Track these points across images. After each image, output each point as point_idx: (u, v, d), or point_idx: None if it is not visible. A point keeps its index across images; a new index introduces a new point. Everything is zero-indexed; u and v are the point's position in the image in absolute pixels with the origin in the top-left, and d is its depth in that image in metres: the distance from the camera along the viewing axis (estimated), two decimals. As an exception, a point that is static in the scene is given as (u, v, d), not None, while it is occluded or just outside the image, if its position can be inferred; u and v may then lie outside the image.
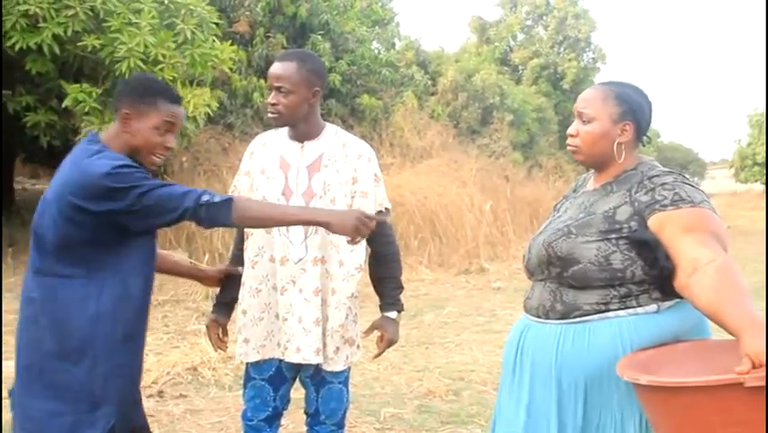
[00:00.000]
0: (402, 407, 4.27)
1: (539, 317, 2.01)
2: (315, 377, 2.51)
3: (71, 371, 1.99)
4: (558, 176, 16.89)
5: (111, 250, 2.01)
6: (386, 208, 2.58)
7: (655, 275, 1.87)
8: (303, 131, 2.47)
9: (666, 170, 1.99)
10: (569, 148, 2.10)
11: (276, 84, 2.40)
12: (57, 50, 6.96)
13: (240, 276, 2.54)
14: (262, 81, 11.12)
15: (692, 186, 1.93)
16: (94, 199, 1.92)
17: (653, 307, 1.90)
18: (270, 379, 2.51)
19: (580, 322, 1.92)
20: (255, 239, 2.47)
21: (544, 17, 25.48)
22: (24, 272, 2.10)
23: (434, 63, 18.53)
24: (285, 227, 2.39)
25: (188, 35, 7.13)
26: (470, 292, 8.62)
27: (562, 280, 1.96)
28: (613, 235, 1.90)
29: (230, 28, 11.00)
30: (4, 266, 7.96)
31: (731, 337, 1.61)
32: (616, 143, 2.00)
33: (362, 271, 2.52)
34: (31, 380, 2.02)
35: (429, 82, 16.71)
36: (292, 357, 2.43)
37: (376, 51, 13.84)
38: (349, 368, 2.57)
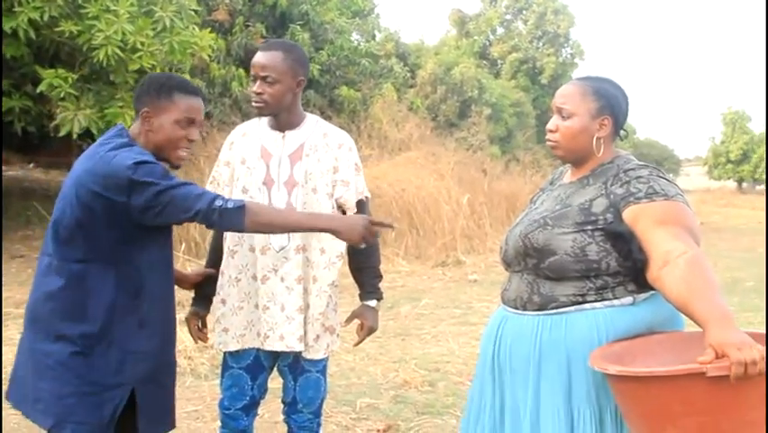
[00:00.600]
0: (378, 397, 4.29)
1: (516, 308, 2.03)
2: (294, 366, 2.52)
3: (85, 355, 2.01)
4: (535, 170, 16.99)
5: (127, 242, 2.04)
6: (366, 197, 2.60)
7: (629, 267, 1.91)
8: (285, 120, 2.48)
9: (642, 163, 2.02)
10: (548, 143, 2.12)
11: (261, 73, 2.40)
12: (32, 34, 6.87)
13: (215, 275, 2.55)
14: (241, 70, 11.05)
15: (667, 180, 1.96)
16: (115, 190, 1.95)
17: (629, 299, 1.93)
18: (248, 368, 2.52)
19: (557, 314, 1.95)
20: None
21: (524, 12, 25.59)
22: (39, 259, 2.12)
23: (414, 55, 18.54)
24: None
25: (167, 23, 7.06)
26: (447, 284, 8.66)
27: (539, 272, 1.99)
28: (589, 227, 1.93)
29: (209, 16, 10.91)
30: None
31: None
32: (594, 138, 2.03)
33: (343, 259, 2.54)
34: (45, 361, 2.04)
35: (408, 74, 16.71)
36: (275, 345, 2.44)
37: (356, 43, 13.81)
38: (327, 357, 2.58)
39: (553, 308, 1.95)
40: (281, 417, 2.68)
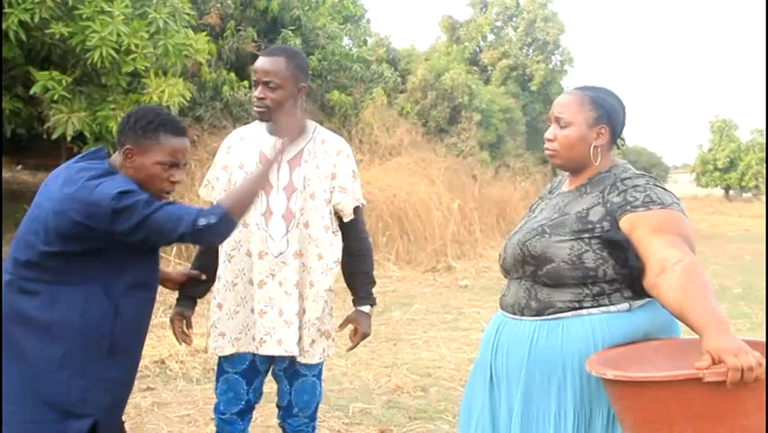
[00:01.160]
0: (370, 402, 4.29)
1: (514, 314, 2.05)
2: (289, 370, 2.53)
3: (50, 379, 1.96)
4: (525, 176, 17.06)
5: (102, 265, 1.99)
6: (362, 204, 2.62)
7: (626, 274, 1.93)
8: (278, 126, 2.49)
9: (639, 172, 2.05)
10: (546, 152, 2.14)
11: (264, 78, 2.41)
12: (23, 36, 6.83)
13: (200, 277, 2.54)
14: (232, 74, 11.04)
15: (663, 188, 1.99)
16: (97, 220, 1.92)
17: (626, 305, 1.95)
18: (244, 372, 2.52)
19: (553, 319, 1.97)
20: (232, 234, 2.47)
21: (514, 18, 25.67)
22: (4, 278, 2.04)
23: (404, 61, 18.58)
24: (264, 222, 2.42)
25: (161, 25, 7.04)
26: (438, 290, 8.67)
27: (537, 279, 2.01)
28: (586, 235, 1.95)
29: (200, 20, 10.89)
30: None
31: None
32: (592, 147, 2.05)
33: (339, 264, 2.55)
34: (6, 382, 1.97)
35: (399, 80, 16.74)
36: (272, 350, 2.44)
37: (347, 48, 13.82)
38: (323, 361, 2.59)
39: (549, 314, 1.97)
40: (274, 421, 2.69)
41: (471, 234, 11.81)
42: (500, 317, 2.12)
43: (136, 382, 4.28)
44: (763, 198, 33.70)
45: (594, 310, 1.94)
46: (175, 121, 2.14)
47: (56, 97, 6.96)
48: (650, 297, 1.91)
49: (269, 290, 2.44)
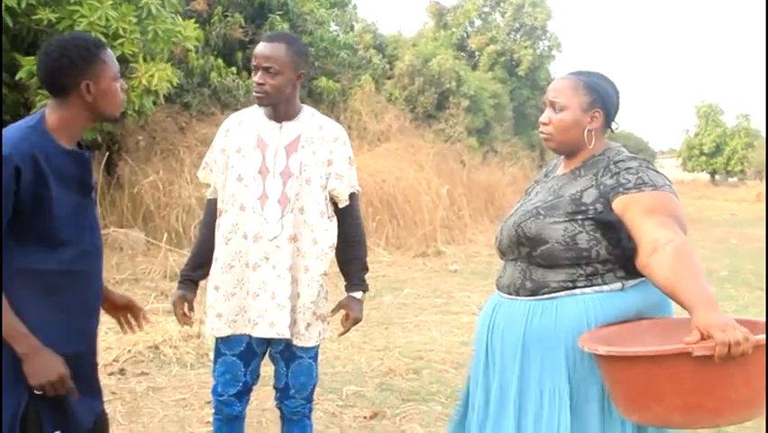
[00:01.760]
0: (364, 385, 4.34)
1: (510, 294, 2.09)
2: (286, 352, 2.56)
3: None
4: (513, 162, 17.12)
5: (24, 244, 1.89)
6: (357, 190, 2.65)
7: (618, 255, 1.97)
8: (283, 111, 2.51)
9: (632, 155, 2.09)
10: (541, 135, 2.18)
11: (264, 64, 2.42)
12: (9, 22, 6.78)
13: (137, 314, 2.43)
14: (220, 60, 11.00)
15: (655, 171, 2.03)
16: None
17: (618, 285, 1.99)
18: (241, 354, 2.55)
19: (548, 299, 2.01)
20: (229, 216, 2.49)
21: (502, 4, 25.62)
22: None
23: (391, 47, 18.53)
24: (260, 206, 2.45)
25: (153, 10, 7.00)
26: (428, 274, 8.72)
27: (532, 260, 2.04)
28: (579, 217, 1.99)
29: (188, 6, 10.83)
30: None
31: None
32: (586, 130, 2.09)
33: (334, 249, 2.58)
34: None
35: (386, 66, 16.72)
36: (264, 332, 2.47)
37: (334, 34, 13.78)
38: (319, 344, 2.62)
39: (544, 294, 2.01)
40: (270, 404, 2.71)
41: (461, 219, 11.87)
42: (497, 297, 2.16)
43: (130, 368, 4.36)
44: (749, 182, 34.00)
45: (587, 290, 1.98)
46: (92, 36, 2.12)
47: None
48: (643, 277, 1.94)
49: (263, 274, 2.46)
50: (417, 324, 6.03)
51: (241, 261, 2.50)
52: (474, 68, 22.84)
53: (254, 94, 2.47)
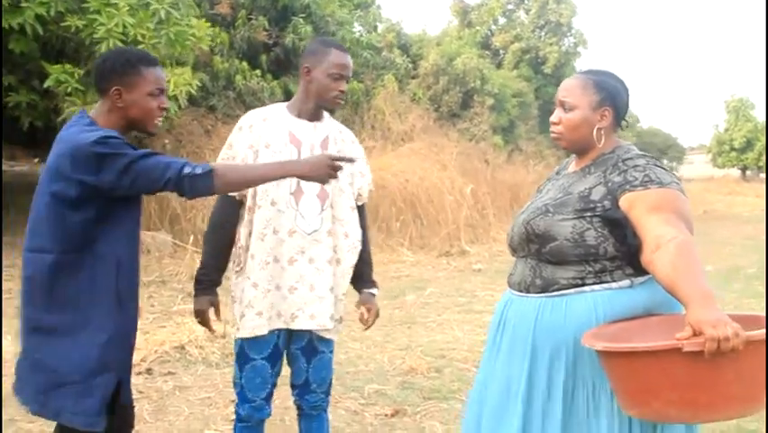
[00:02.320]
0: (385, 383, 4.38)
1: (521, 291, 2.12)
2: (308, 347, 2.61)
3: (70, 343, 2.07)
4: (538, 160, 17.05)
5: (101, 222, 2.08)
6: (371, 189, 2.79)
7: (625, 251, 1.99)
8: (316, 112, 2.60)
9: (640, 153, 2.11)
10: (552, 135, 2.21)
11: (344, 73, 2.57)
12: (39, 30, 6.94)
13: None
14: (245, 63, 11.13)
15: (663, 168, 2.05)
16: (83, 169, 1.99)
17: (627, 282, 2.01)
18: (269, 356, 2.57)
19: (558, 296, 2.03)
20: (263, 212, 2.52)
21: (526, 1, 25.57)
22: (22, 252, 2.16)
23: (416, 46, 18.58)
24: (294, 201, 2.52)
25: (163, 15, 7.12)
26: (451, 274, 8.74)
27: (541, 257, 2.07)
28: (587, 214, 2.02)
29: (212, 10, 10.97)
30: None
31: None
32: (595, 129, 2.11)
33: (361, 243, 2.69)
34: (33, 356, 2.10)
35: (410, 65, 16.76)
36: (305, 324, 2.54)
37: (357, 34, 13.86)
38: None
39: (554, 291, 2.04)
40: (291, 401, 2.75)
41: (485, 218, 11.86)
42: (508, 294, 2.20)
43: (157, 367, 4.45)
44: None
45: (596, 287, 2.01)
46: (147, 53, 2.27)
47: (69, 90, 7.07)
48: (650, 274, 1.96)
49: (300, 268, 2.53)
50: (440, 323, 6.06)
51: (273, 257, 2.53)
52: (499, 66, 22.82)
53: (338, 101, 2.59)
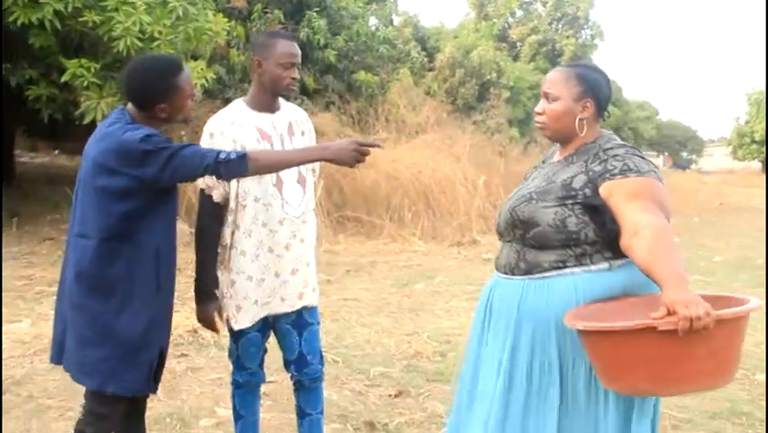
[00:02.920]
0: (390, 366, 4.52)
1: (506, 273, 2.25)
2: (298, 321, 2.77)
3: (115, 322, 2.29)
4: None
5: (142, 214, 2.29)
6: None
7: (604, 237, 2.11)
8: (273, 101, 2.72)
9: (620, 143, 2.22)
10: (536, 125, 2.33)
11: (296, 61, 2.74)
12: (58, 25, 7.13)
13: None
14: (260, 56, 11.26)
15: (642, 157, 2.16)
16: (130, 164, 2.21)
17: (605, 265, 2.13)
18: (260, 328, 2.76)
19: (540, 278, 2.16)
20: (248, 210, 2.64)
21: (543, -7, 25.49)
22: (67, 237, 2.40)
23: (433, 39, 18.64)
24: (278, 192, 2.66)
25: (180, 12, 7.28)
26: (462, 263, 8.85)
27: (525, 241, 2.20)
28: (569, 201, 2.14)
29: (228, 3, 11.13)
30: (9, 237, 8.19)
31: None
32: (577, 119, 2.23)
33: None
34: (80, 332, 2.32)
35: (426, 59, 16.82)
36: (311, 300, 2.78)
37: (373, 28, 13.96)
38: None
39: (537, 273, 2.16)
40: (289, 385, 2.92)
41: (497, 208, 11.90)
42: (495, 277, 2.32)
43: (171, 350, 4.61)
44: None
45: (577, 270, 2.13)
46: (174, 61, 2.45)
47: (86, 84, 7.26)
48: (629, 257, 2.08)
49: (295, 250, 2.71)
50: (448, 310, 6.18)
51: (264, 248, 2.67)
52: (516, 58, 22.80)
53: (291, 88, 2.70)
